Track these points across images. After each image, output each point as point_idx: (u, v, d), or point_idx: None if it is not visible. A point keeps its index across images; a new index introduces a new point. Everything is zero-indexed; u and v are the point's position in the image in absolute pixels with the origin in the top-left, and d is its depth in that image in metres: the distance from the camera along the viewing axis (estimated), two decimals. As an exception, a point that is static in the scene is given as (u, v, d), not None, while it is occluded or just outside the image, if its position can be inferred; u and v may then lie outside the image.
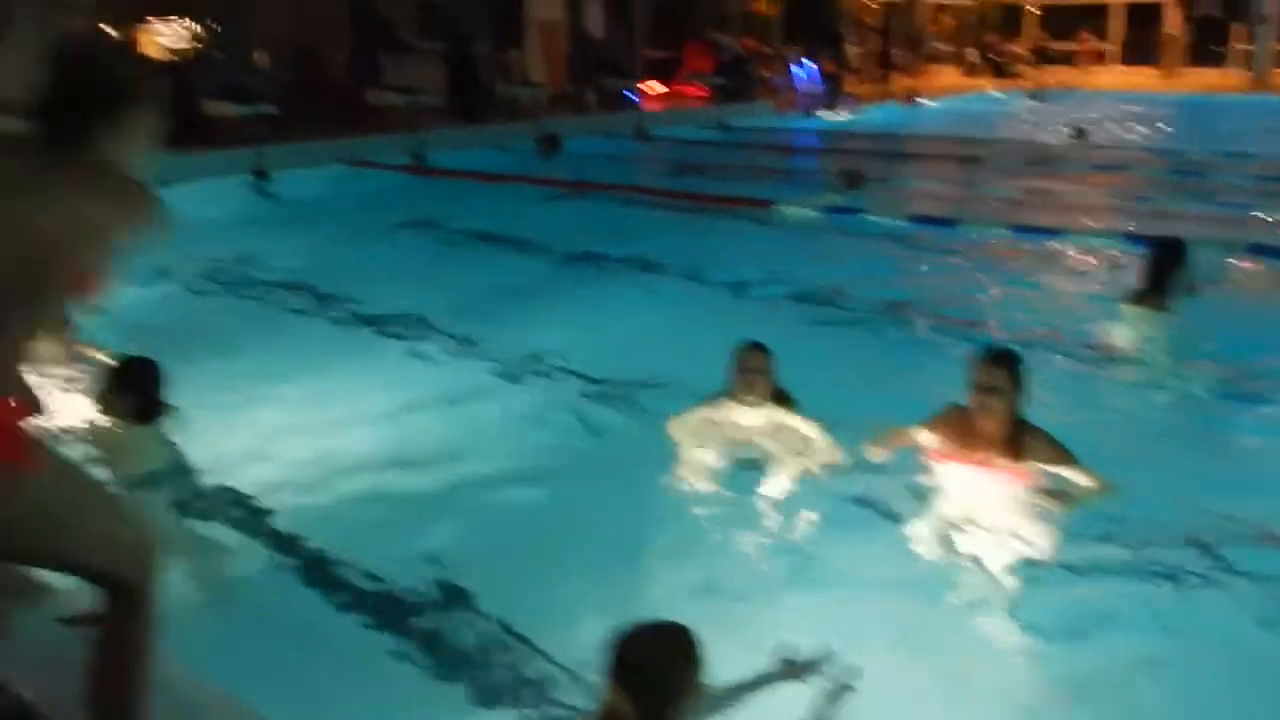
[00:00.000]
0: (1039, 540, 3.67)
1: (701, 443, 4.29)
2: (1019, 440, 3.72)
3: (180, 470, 3.73)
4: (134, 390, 3.61)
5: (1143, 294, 5.88)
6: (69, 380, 4.36)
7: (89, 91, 2.11)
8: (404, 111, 14.74)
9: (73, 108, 2.09)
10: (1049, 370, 5.38)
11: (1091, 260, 8.46)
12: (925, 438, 3.92)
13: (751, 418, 4.25)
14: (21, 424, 2.06)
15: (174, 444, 3.70)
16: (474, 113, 15.77)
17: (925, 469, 3.94)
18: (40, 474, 2.07)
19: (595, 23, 19.43)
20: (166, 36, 15.74)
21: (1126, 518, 3.91)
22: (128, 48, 3.13)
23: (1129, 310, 5.94)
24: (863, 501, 4.16)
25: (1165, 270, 5.84)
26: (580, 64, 18.54)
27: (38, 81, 2.10)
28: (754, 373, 4.20)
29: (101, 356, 4.32)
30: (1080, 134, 15.96)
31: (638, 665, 2.21)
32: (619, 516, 3.98)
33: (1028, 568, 3.59)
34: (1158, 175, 12.87)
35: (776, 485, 4.19)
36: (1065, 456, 3.74)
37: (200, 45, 15.92)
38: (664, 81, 20.54)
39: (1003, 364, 3.72)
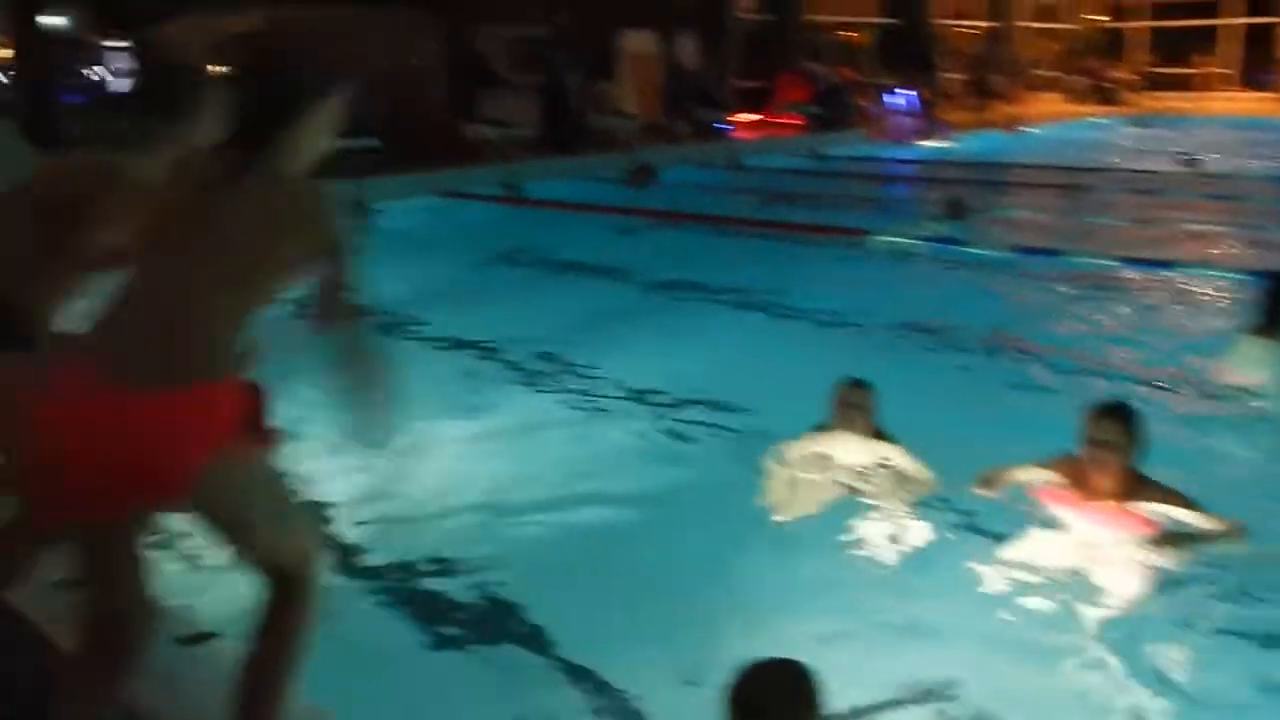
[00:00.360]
0: (1149, 589, 3.45)
1: (800, 477, 4.17)
2: (1134, 493, 3.55)
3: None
4: None
5: (1260, 326, 5.62)
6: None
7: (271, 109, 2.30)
8: (498, 144, 14.97)
9: (257, 124, 2.29)
10: (1161, 407, 5.11)
11: (1203, 293, 8.07)
12: (1036, 478, 3.74)
13: (852, 452, 4.13)
14: (247, 407, 2.25)
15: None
16: (567, 144, 15.91)
17: (1035, 511, 3.75)
18: (250, 456, 2.24)
19: (688, 54, 19.51)
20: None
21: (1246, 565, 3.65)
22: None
23: (1247, 342, 5.64)
24: (966, 541, 3.96)
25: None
26: (672, 95, 18.60)
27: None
28: (855, 408, 4.11)
29: None
30: (1192, 162, 15.31)
31: (761, 706, 2.15)
32: (713, 550, 3.86)
33: (1135, 619, 3.38)
34: (1272, 205, 12.27)
35: (877, 522, 4.04)
36: (1184, 501, 3.53)
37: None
38: (757, 111, 20.50)
39: (1117, 418, 3.57)
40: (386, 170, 13.16)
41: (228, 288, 2.19)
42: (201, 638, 2.38)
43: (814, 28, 24.03)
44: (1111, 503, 3.58)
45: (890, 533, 3.97)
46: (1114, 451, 3.52)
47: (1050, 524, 3.72)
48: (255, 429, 2.22)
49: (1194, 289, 8.20)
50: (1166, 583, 3.48)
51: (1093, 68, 29.48)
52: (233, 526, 2.28)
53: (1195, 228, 11.05)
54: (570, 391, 5.92)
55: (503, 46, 17.76)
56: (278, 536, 2.31)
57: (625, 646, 3.31)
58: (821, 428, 4.20)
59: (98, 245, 2.66)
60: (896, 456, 4.12)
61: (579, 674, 3.21)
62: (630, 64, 19.22)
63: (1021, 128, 22.22)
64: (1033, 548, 3.71)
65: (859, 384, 4.20)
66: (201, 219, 2.22)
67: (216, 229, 2.21)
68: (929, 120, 21.20)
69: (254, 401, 2.25)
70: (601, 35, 18.64)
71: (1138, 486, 3.58)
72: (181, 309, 2.16)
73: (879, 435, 4.18)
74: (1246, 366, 5.59)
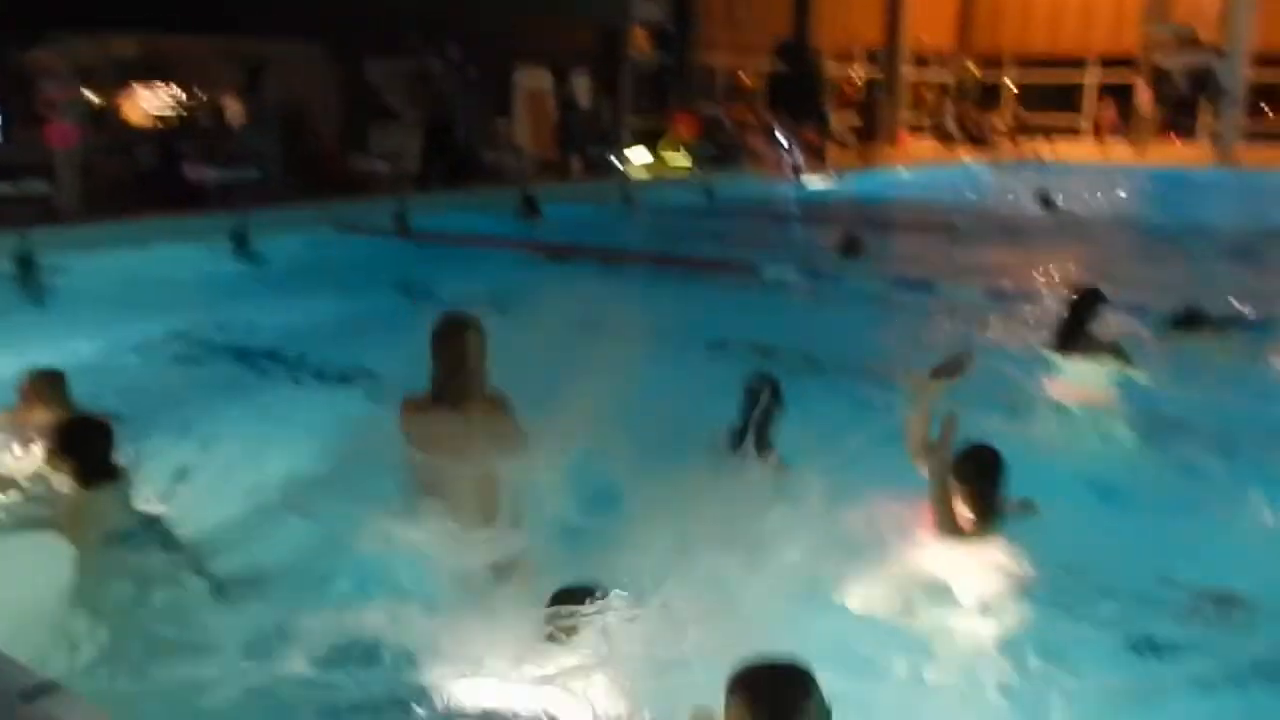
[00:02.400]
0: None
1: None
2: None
3: (137, 534, 3.59)
4: (78, 453, 3.50)
5: (1063, 339, 6.20)
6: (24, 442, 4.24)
7: None
8: (388, 177, 14.84)
9: None
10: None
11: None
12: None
13: None
14: None
15: (128, 507, 3.58)
16: (451, 178, 15.82)
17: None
18: None
19: (582, 92, 19.69)
20: (151, 103, 15.85)
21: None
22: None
23: (1052, 356, 6.22)
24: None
25: (1082, 317, 6.16)
26: (566, 131, 18.74)
27: None
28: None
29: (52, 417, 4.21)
30: (1048, 203, 16.21)
31: (775, 702, 2.22)
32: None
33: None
34: (1117, 241, 13.20)
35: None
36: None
37: (186, 112, 16.04)
38: (651, 148, 20.82)
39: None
40: (272, 202, 12.93)
41: None
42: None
43: (707, 70, 24.55)
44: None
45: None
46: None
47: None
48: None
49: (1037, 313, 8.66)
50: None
51: (967, 115, 30.76)
52: None
53: (1051, 263, 11.68)
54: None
55: (395, 80, 17.64)
56: None
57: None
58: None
59: None
60: None
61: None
62: (525, 100, 19.30)
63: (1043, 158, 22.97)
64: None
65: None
66: None
67: None
68: (817, 160, 21.80)
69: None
70: (496, 71, 18.67)
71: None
72: None
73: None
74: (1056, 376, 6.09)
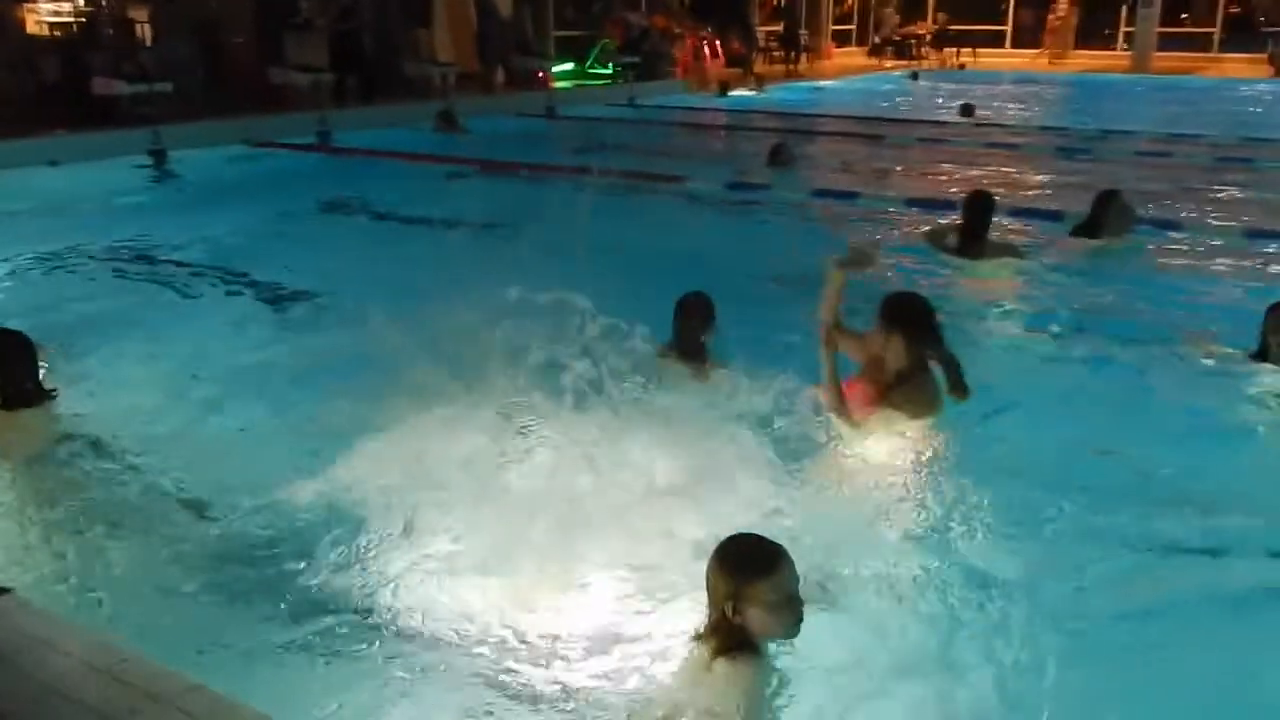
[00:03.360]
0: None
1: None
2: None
3: (67, 454, 3.65)
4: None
5: (964, 241, 6.94)
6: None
7: None
8: (307, 91, 14.48)
9: None
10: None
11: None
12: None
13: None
14: None
15: (53, 427, 3.62)
16: (365, 92, 15.47)
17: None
18: None
19: (503, 2, 19.24)
20: (52, 12, 15.17)
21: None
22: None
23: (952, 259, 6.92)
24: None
25: (979, 219, 6.91)
26: (487, 42, 18.36)
27: None
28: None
29: None
30: (968, 112, 16.65)
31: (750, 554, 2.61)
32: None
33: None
34: (1035, 149, 13.64)
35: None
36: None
37: (89, 21, 15.39)
38: (577, 60, 20.56)
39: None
40: (189, 117, 12.58)
41: None
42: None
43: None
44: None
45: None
46: None
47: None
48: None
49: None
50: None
51: (891, 23, 30.74)
52: None
53: (972, 171, 11.95)
54: (382, 335, 5.89)
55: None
56: None
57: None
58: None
59: None
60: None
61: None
62: (445, 11, 18.80)
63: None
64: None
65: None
66: None
67: None
68: (743, 71, 21.70)
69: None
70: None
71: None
72: None
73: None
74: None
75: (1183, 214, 9.16)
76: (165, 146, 11.50)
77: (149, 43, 15.35)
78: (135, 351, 5.52)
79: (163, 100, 12.89)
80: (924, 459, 4.07)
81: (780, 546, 2.66)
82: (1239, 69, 25.94)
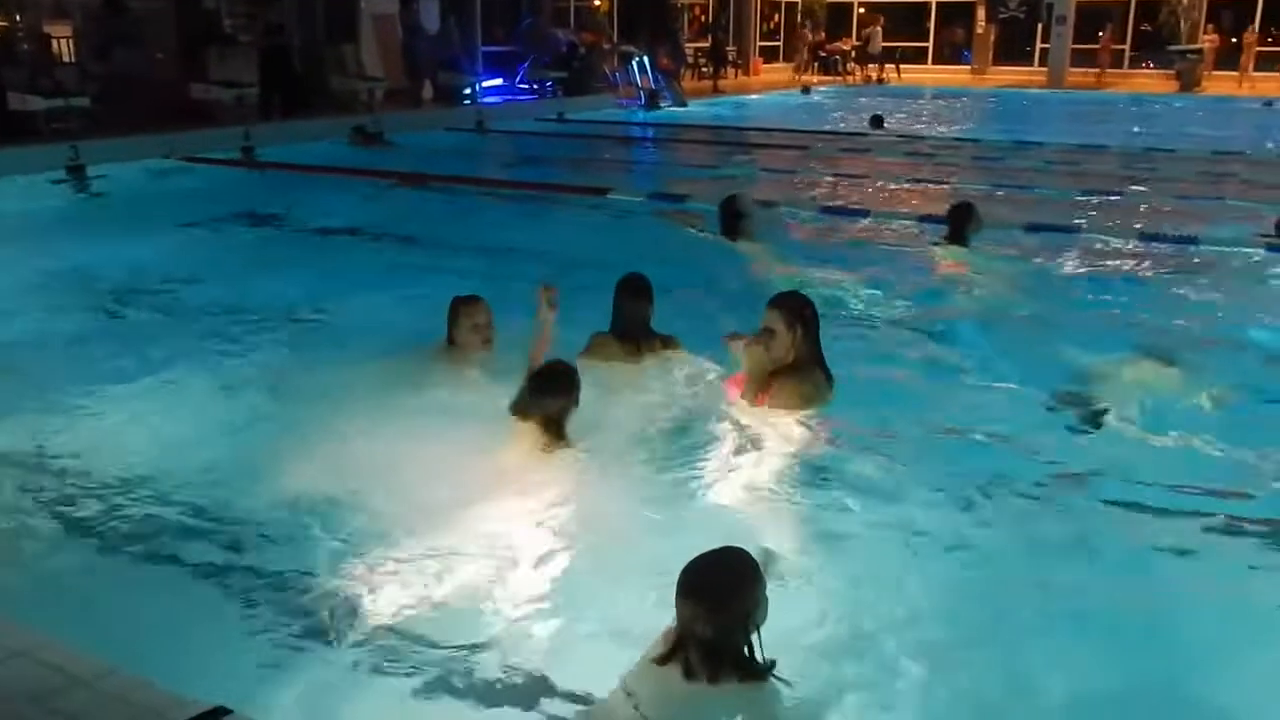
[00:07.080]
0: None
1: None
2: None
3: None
4: None
5: (949, 238, 7.79)
6: None
7: None
8: (230, 106, 14.42)
9: None
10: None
11: (889, 231, 9.36)
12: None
13: None
14: None
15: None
16: (290, 107, 15.41)
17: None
18: None
19: (429, 16, 19.30)
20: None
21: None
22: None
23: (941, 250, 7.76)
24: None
25: (962, 222, 7.72)
26: (414, 57, 18.40)
27: None
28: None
29: None
30: (879, 124, 17.41)
31: (712, 585, 2.48)
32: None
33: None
34: (946, 159, 14.32)
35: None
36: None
37: (3, 38, 15.16)
38: (505, 75, 20.67)
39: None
40: (110, 132, 12.45)
41: None
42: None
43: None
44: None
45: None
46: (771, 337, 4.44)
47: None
48: None
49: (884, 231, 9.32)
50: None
51: (816, 40, 31.39)
52: None
53: (880, 181, 12.40)
54: (313, 350, 5.95)
55: (234, 4, 16.99)
56: None
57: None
58: None
59: None
60: None
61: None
62: (373, 27, 18.81)
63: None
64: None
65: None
66: None
67: None
68: (669, 86, 22.03)
69: None
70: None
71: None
72: None
73: None
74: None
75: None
76: (84, 162, 11.37)
77: (68, 59, 15.14)
78: (57, 371, 5.50)
79: (82, 116, 12.74)
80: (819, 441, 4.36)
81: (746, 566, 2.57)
82: (1149, 84, 27.06)
